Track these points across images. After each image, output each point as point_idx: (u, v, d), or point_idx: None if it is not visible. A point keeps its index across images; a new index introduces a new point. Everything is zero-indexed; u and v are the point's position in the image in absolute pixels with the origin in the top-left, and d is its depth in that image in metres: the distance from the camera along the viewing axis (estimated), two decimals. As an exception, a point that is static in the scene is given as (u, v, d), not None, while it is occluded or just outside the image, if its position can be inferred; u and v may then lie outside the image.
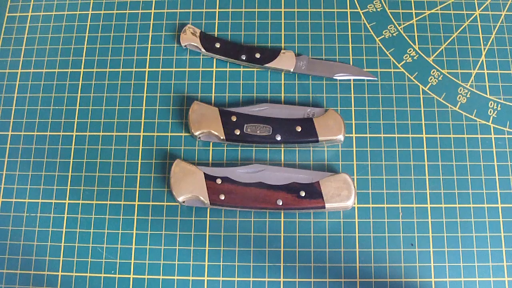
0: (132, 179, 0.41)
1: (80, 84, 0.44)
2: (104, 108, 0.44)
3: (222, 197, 0.39)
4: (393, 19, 0.46)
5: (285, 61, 0.43)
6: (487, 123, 0.42)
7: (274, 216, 0.40)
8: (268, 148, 0.42)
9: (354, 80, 0.44)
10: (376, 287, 0.38)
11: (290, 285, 0.39)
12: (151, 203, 0.41)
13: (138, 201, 0.41)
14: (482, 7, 0.46)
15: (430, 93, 0.43)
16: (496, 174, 0.41)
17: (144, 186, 0.41)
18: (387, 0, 0.46)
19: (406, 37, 0.45)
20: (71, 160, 0.42)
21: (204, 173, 0.40)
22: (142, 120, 0.43)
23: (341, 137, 0.41)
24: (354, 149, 0.42)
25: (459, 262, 0.39)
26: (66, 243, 0.40)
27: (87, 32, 0.46)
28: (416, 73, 0.44)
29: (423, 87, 0.43)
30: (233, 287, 0.39)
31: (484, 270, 0.39)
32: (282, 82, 0.44)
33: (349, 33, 0.45)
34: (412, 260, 0.39)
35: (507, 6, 0.46)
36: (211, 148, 0.42)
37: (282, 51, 0.44)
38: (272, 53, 0.43)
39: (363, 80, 0.44)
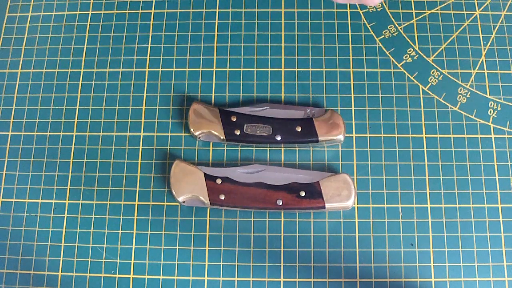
0: (132, 179, 0.41)
1: (80, 84, 0.44)
2: (104, 108, 0.44)
3: (222, 197, 0.39)
4: (393, 19, 0.46)
5: None
6: (487, 123, 0.42)
7: (274, 216, 0.40)
8: (268, 148, 0.42)
9: (354, 80, 0.44)
10: (376, 287, 0.38)
11: (290, 285, 0.39)
12: (151, 203, 0.41)
13: (138, 201, 0.41)
14: (482, 7, 0.46)
15: (430, 93, 0.43)
16: (496, 174, 0.41)
17: (144, 186, 0.41)
18: (387, 0, 0.46)
19: (406, 37, 0.45)
20: (71, 160, 0.42)
21: (204, 173, 0.40)
22: (142, 120, 0.43)
23: (341, 137, 0.41)
24: (354, 149, 0.42)
25: (459, 262, 0.39)
26: (66, 243, 0.40)
27: (87, 32, 0.46)
28: (416, 73, 0.44)
29: (423, 87, 0.43)
30: (233, 287, 0.39)
31: (484, 270, 0.39)
32: (282, 82, 0.44)
33: (349, 33, 0.45)
34: (412, 260, 0.39)
35: (507, 6, 0.46)
36: (211, 148, 0.42)
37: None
38: None
39: (363, 80, 0.44)
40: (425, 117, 0.42)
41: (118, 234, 0.40)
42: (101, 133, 0.43)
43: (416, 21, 0.45)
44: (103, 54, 0.45)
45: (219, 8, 0.46)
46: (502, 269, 0.39)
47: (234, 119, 0.41)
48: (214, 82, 0.44)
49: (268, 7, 0.46)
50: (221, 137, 0.41)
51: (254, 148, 0.42)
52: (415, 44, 0.45)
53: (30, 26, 0.47)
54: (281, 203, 0.39)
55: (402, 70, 0.44)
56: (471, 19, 0.45)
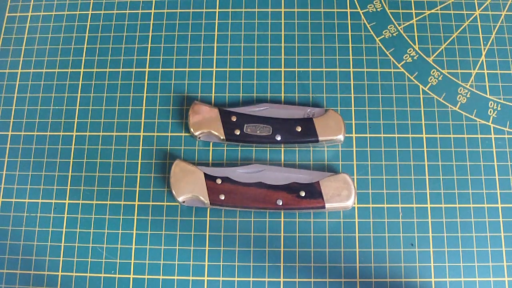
0: (132, 179, 0.41)
1: (80, 84, 0.44)
2: (104, 108, 0.44)
3: (222, 197, 0.39)
4: (393, 19, 0.46)
5: None
6: (487, 123, 0.42)
7: (274, 216, 0.40)
8: (268, 148, 0.42)
9: (354, 80, 0.44)
10: (376, 287, 0.38)
11: (290, 285, 0.39)
12: (151, 203, 0.41)
13: (138, 201, 0.41)
14: (482, 7, 0.46)
15: (430, 93, 0.43)
16: (496, 174, 0.41)
17: (144, 186, 0.41)
18: (387, 0, 0.46)
19: (406, 37, 0.45)
20: (71, 160, 0.42)
21: (204, 173, 0.40)
22: (142, 120, 0.43)
23: (341, 137, 0.41)
24: (354, 149, 0.42)
25: (459, 262, 0.39)
26: (66, 243, 0.40)
27: (87, 32, 0.46)
28: (416, 73, 0.44)
29: (423, 87, 0.43)
30: (233, 287, 0.39)
31: (484, 270, 0.39)
32: (282, 82, 0.44)
33: (349, 33, 0.45)
34: (412, 260, 0.39)
35: (507, 6, 0.46)
36: (211, 148, 0.42)
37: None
38: None
39: (363, 80, 0.44)
40: (425, 117, 0.42)
41: (118, 234, 0.40)
42: (101, 133, 0.43)
43: (416, 21, 0.45)
44: (103, 54, 0.45)
45: (219, 8, 0.46)
46: (502, 269, 0.39)
47: (234, 119, 0.41)
48: (214, 82, 0.44)
49: (268, 7, 0.46)
50: (221, 137, 0.41)
51: (254, 148, 0.42)
52: (415, 44, 0.45)
53: (30, 26, 0.47)
54: (281, 203, 0.39)
55: (402, 70, 0.44)
56: (471, 19, 0.45)
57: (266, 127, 0.41)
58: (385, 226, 0.40)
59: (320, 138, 0.40)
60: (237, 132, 0.41)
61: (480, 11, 0.46)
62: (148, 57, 0.45)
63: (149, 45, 0.45)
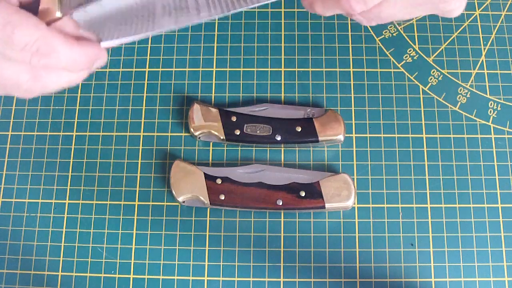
0: (132, 179, 0.41)
1: (80, 84, 0.44)
2: (104, 108, 0.44)
3: (222, 197, 0.39)
4: (393, 19, 0.46)
5: None
6: (487, 123, 0.42)
7: (274, 216, 0.40)
8: (268, 148, 0.42)
9: (354, 80, 0.44)
10: (376, 287, 0.38)
11: (290, 285, 0.39)
12: (151, 203, 0.41)
13: (138, 201, 0.41)
14: (482, 7, 0.46)
15: (430, 93, 0.43)
16: (496, 174, 0.41)
17: (144, 186, 0.41)
18: (387, 0, 0.46)
19: (406, 37, 0.45)
20: (71, 160, 0.42)
21: (204, 173, 0.40)
22: (142, 120, 0.43)
23: (341, 137, 0.41)
24: (354, 149, 0.42)
25: (459, 262, 0.39)
26: (66, 243, 0.40)
27: (87, 32, 0.46)
28: (416, 73, 0.44)
29: (423, 87, 0.43)
30: (233, 287, 0.39)
31: (484, 270, 0.39)
32: (282, 82, 0.44)
33: (349, 33, 0.45)
34: (412, 260, 0.39)
35: (507, 6, 0.46)
36: (211, 148, 0.42)
37: None
38: None
39: (363, 80, 0.44)
40: (425, 117, 0.42)
41: (118, 234, 0.40)
42: (101, 133, 0.43)
43: (416, 21, 0.45)
44: (103, 54, 0.45)
45: (219, 8, 0.46)
46: (502, 269, 0.39)
47: (234, 119, 0.41)
48: (214, 82, 0.44)
49: (268, 7, 0.46)
50: (221, 137, 0.41)
51: (254, 148, 0.42)
52: (415, 44, 0.45)
53: (30, 26, 0.47)
54: (281, 203, 0.39)
55: (402, 70, 0.44)
56: (471, 19, 0.45)
57: (266, 127, 0.41)
58: (385, 226, 0.40)
59: (320, 138, 0.40)
60: (237, 132, 0.41)
61: (480, 11, 0.46)
62: (148, 57, 0.45)
63: (149, 45, 0.45)
